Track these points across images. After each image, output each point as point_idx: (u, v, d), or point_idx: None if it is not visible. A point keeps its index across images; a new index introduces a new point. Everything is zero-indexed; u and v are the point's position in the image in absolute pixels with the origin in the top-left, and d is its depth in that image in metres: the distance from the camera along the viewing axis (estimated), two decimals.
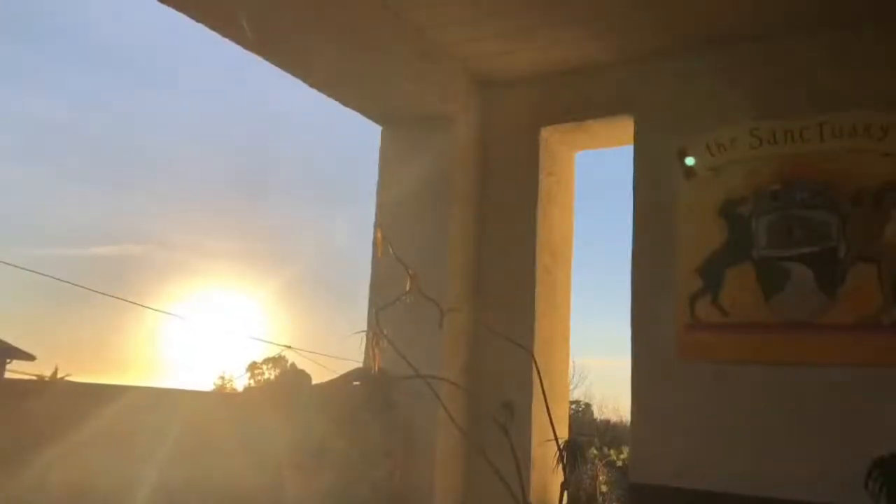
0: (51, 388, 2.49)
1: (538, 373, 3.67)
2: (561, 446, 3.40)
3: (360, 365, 3.89)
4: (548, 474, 3.83)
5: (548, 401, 3.58)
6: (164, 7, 2.92)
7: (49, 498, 2.30)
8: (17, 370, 13.26)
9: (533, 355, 3.70)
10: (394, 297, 3.80)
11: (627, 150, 3.92)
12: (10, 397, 2.43)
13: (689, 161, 3.70)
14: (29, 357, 13.62)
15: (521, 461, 3.43)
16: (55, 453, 2.35)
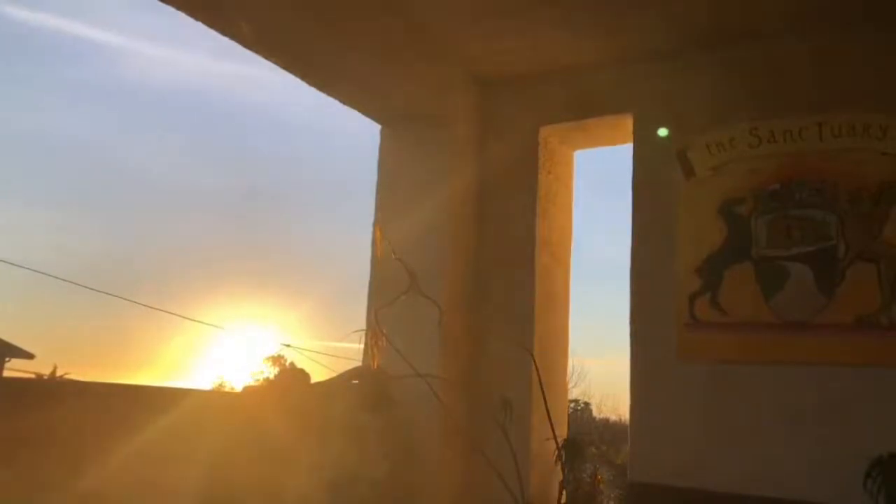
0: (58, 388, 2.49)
1: (537, 372, 3.67)
2: (560, 445, 3.41)
3: (360, 364, 3.90)
4: (547, 473, 3.83)
5: (547, 400, 3.58)
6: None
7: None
8: (16, 368, 13.26)
9: (532, 354, 3.70)
10: (393, 296, 3.81)
11: (627, 149, 3.93)
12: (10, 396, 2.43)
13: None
14: (28, 355, 13.62)
15: (520, 460, 3.43)
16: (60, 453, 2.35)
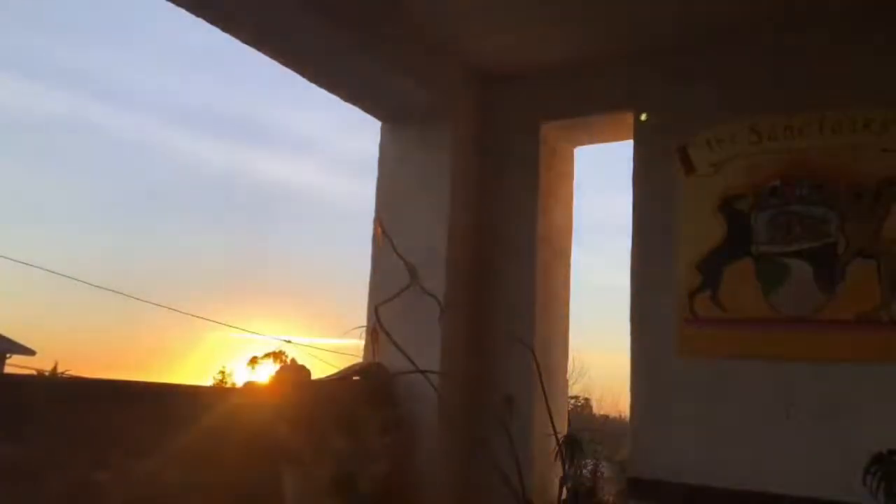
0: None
1: (538, 368, 3.68)
2: (560, 441, 3.42)
3: (361, 360, 3.91)
4: (547, 469, 3.84)
5: (547, 396, 3.59)
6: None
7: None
8: (16, 364, 13.27)
9: (533, 350, 3.71)
10: (393, 293, 3.82)
11: (627, 146, 3.93)
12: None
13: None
14: (29, 352, 13.63)
15: (520, 456, 3.44)
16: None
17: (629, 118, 3.88)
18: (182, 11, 3.02)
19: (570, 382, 5.13)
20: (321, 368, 3.95)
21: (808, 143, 3.45)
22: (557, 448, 3.41)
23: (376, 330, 3.72)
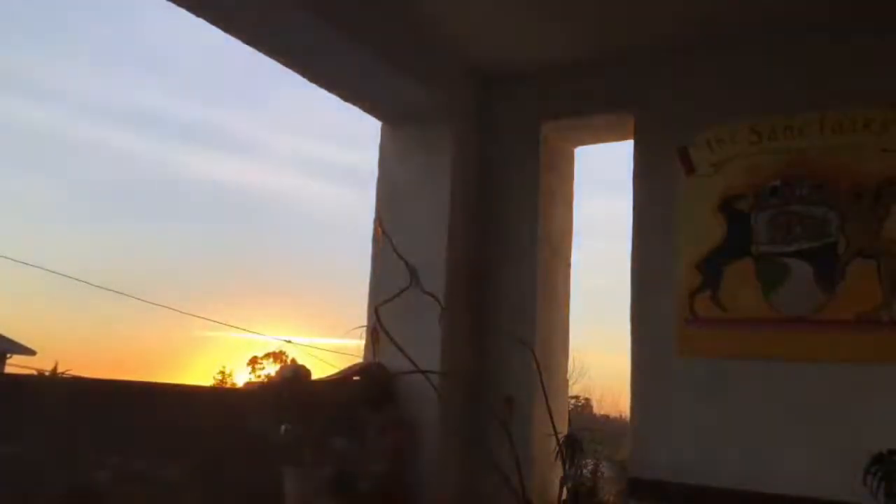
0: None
1: (538, 368, 3.68)
2: (560, 441, 3.42)
3: (361, 360, 3.91)
4: (548, 469, 3.85)
5: (547, 396, 3.60)
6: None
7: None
8: (16, 364, 13.25)
9: (533, 351, 3.71)
10: (393, 293, 3.82)
11: (628, 146, 3.93)
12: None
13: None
14: (29, 352, 13.61)
15: (520, 456, 3.44)
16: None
17: (629, 118, 3.89)
18: (184, 19, 3.03)
19: (570, 382, 5.13)
20: (321, 368, 3.95)
21: (808, 143, 3.45)
22: (557, 448, 3.41)
23: (376, 330, 3.71)
